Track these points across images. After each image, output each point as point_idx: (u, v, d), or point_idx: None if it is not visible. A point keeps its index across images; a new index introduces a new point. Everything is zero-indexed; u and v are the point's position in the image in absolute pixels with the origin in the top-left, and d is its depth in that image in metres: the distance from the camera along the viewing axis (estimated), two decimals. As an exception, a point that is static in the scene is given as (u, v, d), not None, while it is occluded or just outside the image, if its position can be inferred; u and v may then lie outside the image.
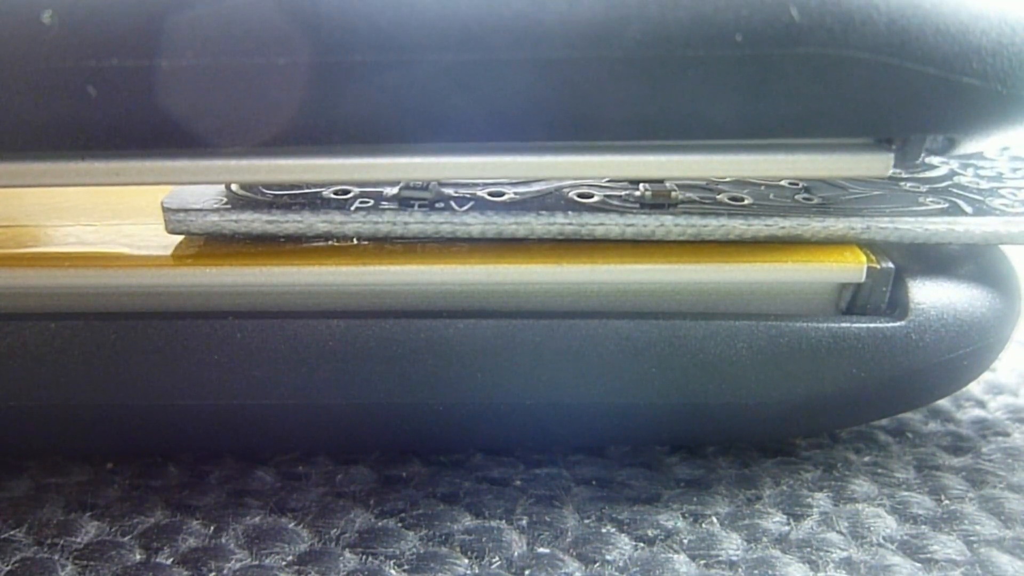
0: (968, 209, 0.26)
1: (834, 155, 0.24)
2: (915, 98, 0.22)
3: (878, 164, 0.24)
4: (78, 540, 0.26)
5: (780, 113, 0.22)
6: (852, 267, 0.26)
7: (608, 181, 0.27)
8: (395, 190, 0.26)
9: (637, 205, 0.26)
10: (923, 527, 0.26)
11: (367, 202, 0.25)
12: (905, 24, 0.21)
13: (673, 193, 0.26)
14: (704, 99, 0.22)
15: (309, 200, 0.26)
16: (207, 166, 0.24)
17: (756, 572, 0.25)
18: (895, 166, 0.24)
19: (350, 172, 0.24)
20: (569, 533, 0.26)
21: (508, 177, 0.27)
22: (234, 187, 0.26)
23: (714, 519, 0.27)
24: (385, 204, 0.25)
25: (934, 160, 0.30)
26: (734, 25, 0.21)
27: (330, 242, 0.26)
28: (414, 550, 0.26)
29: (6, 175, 0.24)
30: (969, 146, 0.24)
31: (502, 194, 0.26)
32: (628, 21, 0.21)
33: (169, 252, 0.26)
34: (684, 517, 0.27)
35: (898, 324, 0.26)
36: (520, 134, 0.23)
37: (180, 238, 0.26)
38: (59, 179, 0.24)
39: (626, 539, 0.26)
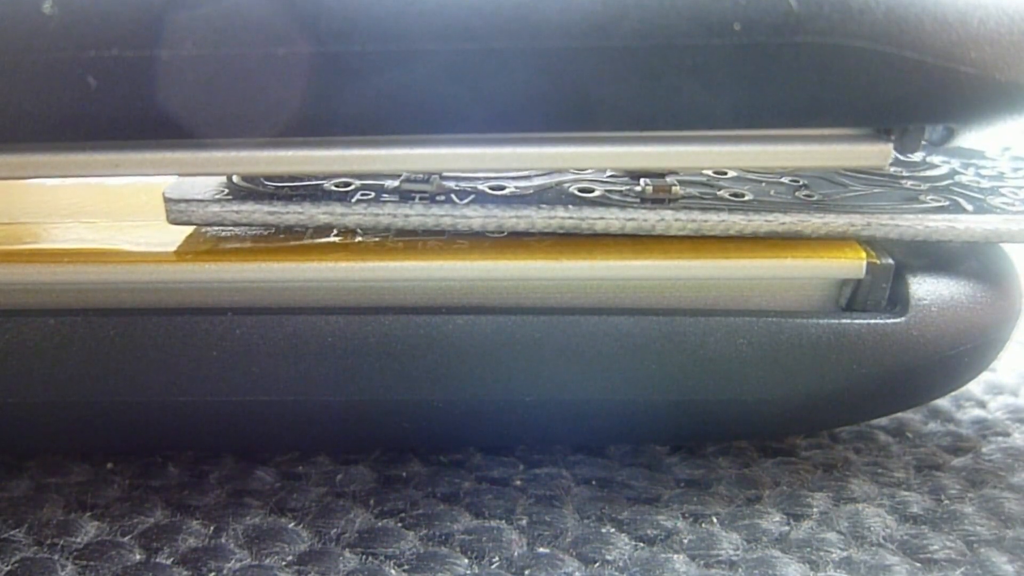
0: (969, 207, 0.26)
1: (833, 145, 0.24)
2: (913, 87, 0.22)
3: (877, 154, 0.24)
4: (78, 540, 0.26)
5: (779, 102, 0.22)
6: (852, 263, 0.26)
7: (609, 176, 0.27)
8: (396, 183, 0.26)
9: (638, 200, 0.26)
10: (923, 527, 0.26)
11: (368, 194, 0.25)
12: (903, 13, 0.21)
13: (674, 188, 0.26)
14: (702, 88, 0.22)
15: (310, 192, 0.26)
16: (207, 157, 0.24)
17: (756, 572, 0.25)
18: (894, 156, 0.24)
19: (349, 163, 0.24)
20: (569, 533, 0.26)
21: (507, 169, 0.27)
22: (235, 178, 0.26)
23: (714, 519, 0.27)
24: (386, 196, 0.25)
25: (935, 159, 0.30)
26: (732, 14, 0.21)
27: (331, 235, 0.26)
28: (414, 550, 0.26)
29: (6, 167, 0.24)
30: (968, 136, 0.24)
31: (503, 188, 0.26)
32: (626, 10, 0.21)
33: (169, 248, 0.26)
34: (684, 517, 0.27)
35: (898, 320, 0.26)
36: (518, 125, 0.23)
37: (180, 235, 0.26)
38: (59, 170, 0.24)
39: (626, 539, 0.26)
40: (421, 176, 0.26)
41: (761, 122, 0.23)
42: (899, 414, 0.31)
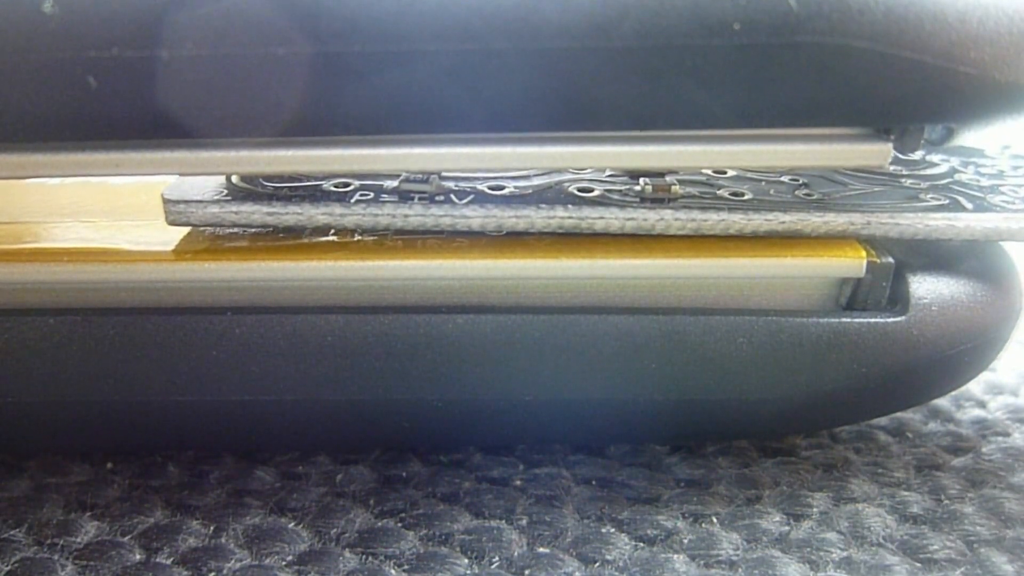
0: (969, 206, 0.26)
1: (833, 145, 0.24)
2: (913, 87, 0.22)
3: (877, 154, 0.24)
4: (78, 540, 0.26)
5: (778, 102, 0.22)
6: (852, 262, 0.26)
7: (608, 176, 0.27)
8: (395, 183, 0.26)
9: (637, 199, 0.26)
10: (923, 527, 0.26)
11: (367, 195, 0.25)
12: (903, 13, 0.21)
13: (673, 187, 0.26)
14: (702, 88, 0.22)
15: (309, 192, 0.26)
16: (207, 157, 0.24)
17: (756, 572, 0.25)
18: (894, 156, 0.24)
19: (350, 163, 0.24)
20: (569, 533, 0.26)
21: (507, 168, 0.27)
22: (234, 179, 0.26)
23: (714, 519, 0.27)
24: (385, 197, 0.25)
25: (935, 158, 0.30)
26: (732, 14, 0.21)
27: (330, 236, 0.26)
28: (414, 550, 0.26)
29: (6, 166, 0.24)
30: (968, 136, 0.24)
31: (502, 188, 0.26)
32: (626, 11, 0.21)
33: (168, 248, 0.26)
34: (684, 517, 0.27)
35: (898, 320, 0.26)
36: (518, 125, 0.23)
37: (179, 235, 0.26)
38: (59, 170, 0.24)
39: (626, 539, 0.26)
40: (420, 176, 0.26)
41: (761, 122, 0.23)
42: (899, 414, 0.31)
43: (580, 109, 0.22)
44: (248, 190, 0.26)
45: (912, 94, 0.22)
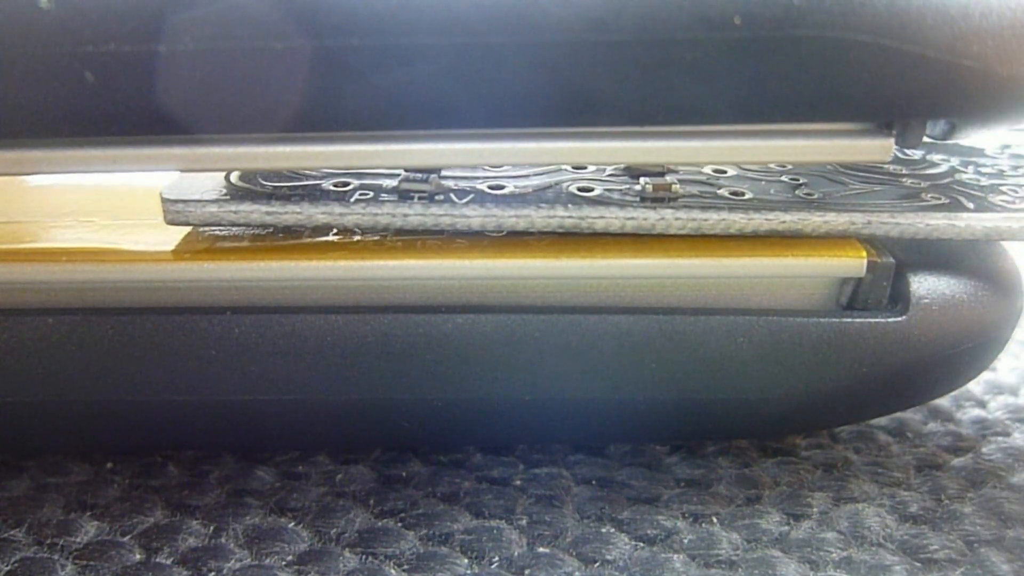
0: (969, 205, 0.26)
1: (834, 140, 0.24)
2: (915, 81, 0.22)
3: (879, 149, 0.24)
4: (78, 540, 0.26)
5: (779, 97, 0.22)
6: (852, 261, 0.26)
7: (608, 175, 0.27)
8: (395, 182, 0.26)
9: (637, 199, 0.26)
10: (923, 527, 0.26)
11: (367, 194, 0.25)
12: (905, 6, 0.21)
13: (674, 187, 0.26)
14: (702, 83, 0.22)
15: (308, 192, 0.25)
16: (205, 153, 0.24)
17: (756, 572, 0.25)
18: (895, 153, 0.24)
19: (348, 159, 0.24)
20: (569, 533, 0.26)
21: (505, 164, 0.27)
22: (233, 178, 0.26)
23: (714, 519, 0.27)
24: (385, 196, 0.25)
25: (935, 157, 0.30)
26: (733, 8, 0.21)
27: (329, 235, 0.26)
28: (414, 550, 0.26)
29: (2, 163, 0.24)
30: (969, 131, 0.24)
31: (502, 187, 0.26)
32: (626, 4, 0.21)
33: (167, 247, 0.26)
34: (684, 517, 0.27)
35: (899, 319, 0.26)
36: (517, 120, 0.23)
37: (179, 235, 0.26)
38: (56, 166, 0.24)
39: (626, 539, 0.26)
40: (420, 176, 0.26)
41: (762, 117, 0.23)
42: (899, 414, 0.31)
43: (579, 104, 0.22)
44: (247, 189, 0.26)
45: (914, 88, 0.22)
